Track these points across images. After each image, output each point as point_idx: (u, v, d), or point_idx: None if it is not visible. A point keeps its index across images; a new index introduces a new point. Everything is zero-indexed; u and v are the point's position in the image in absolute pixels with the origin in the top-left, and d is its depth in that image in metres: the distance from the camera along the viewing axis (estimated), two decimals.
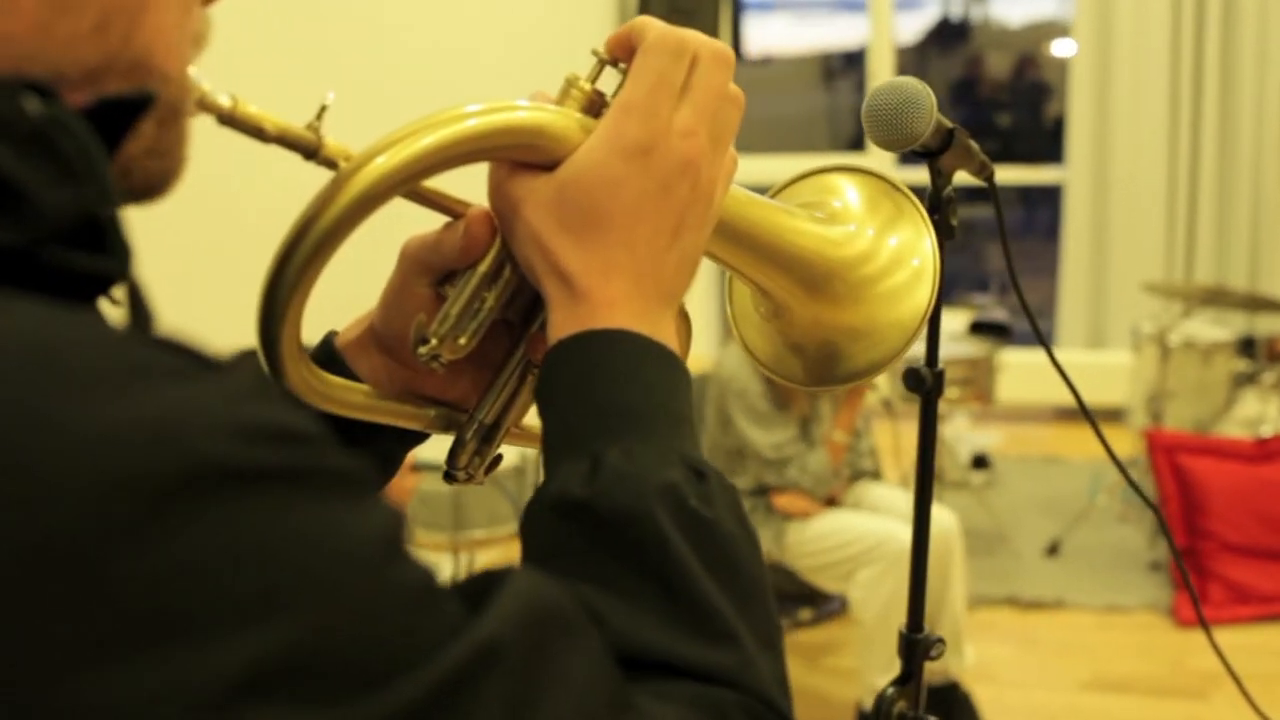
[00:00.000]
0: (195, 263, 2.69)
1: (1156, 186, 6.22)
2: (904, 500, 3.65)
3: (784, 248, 0.88)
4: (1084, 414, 1.34)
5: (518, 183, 0.71)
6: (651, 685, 0.58)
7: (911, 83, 1.07)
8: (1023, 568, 4.71)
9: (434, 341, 0.75)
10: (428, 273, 0.79)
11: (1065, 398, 5.55)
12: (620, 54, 0.74)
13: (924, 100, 1.07)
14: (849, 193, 0.97)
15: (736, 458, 3.69)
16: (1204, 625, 1.41)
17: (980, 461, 5.67)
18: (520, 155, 0.71)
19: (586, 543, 0.63)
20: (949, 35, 10.47)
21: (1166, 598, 4.38)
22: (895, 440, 3.96)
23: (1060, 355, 5.19)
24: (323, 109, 0.67)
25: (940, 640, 1.30)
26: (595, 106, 0.74)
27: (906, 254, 0.93)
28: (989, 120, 9.89)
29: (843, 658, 4.06)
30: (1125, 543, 4.88)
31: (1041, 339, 1.34)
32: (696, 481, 0.66)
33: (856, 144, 7.09)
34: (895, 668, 3.66)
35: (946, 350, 4.64)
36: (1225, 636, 4.08)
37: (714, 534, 0.64)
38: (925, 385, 1.18)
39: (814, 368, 0.95)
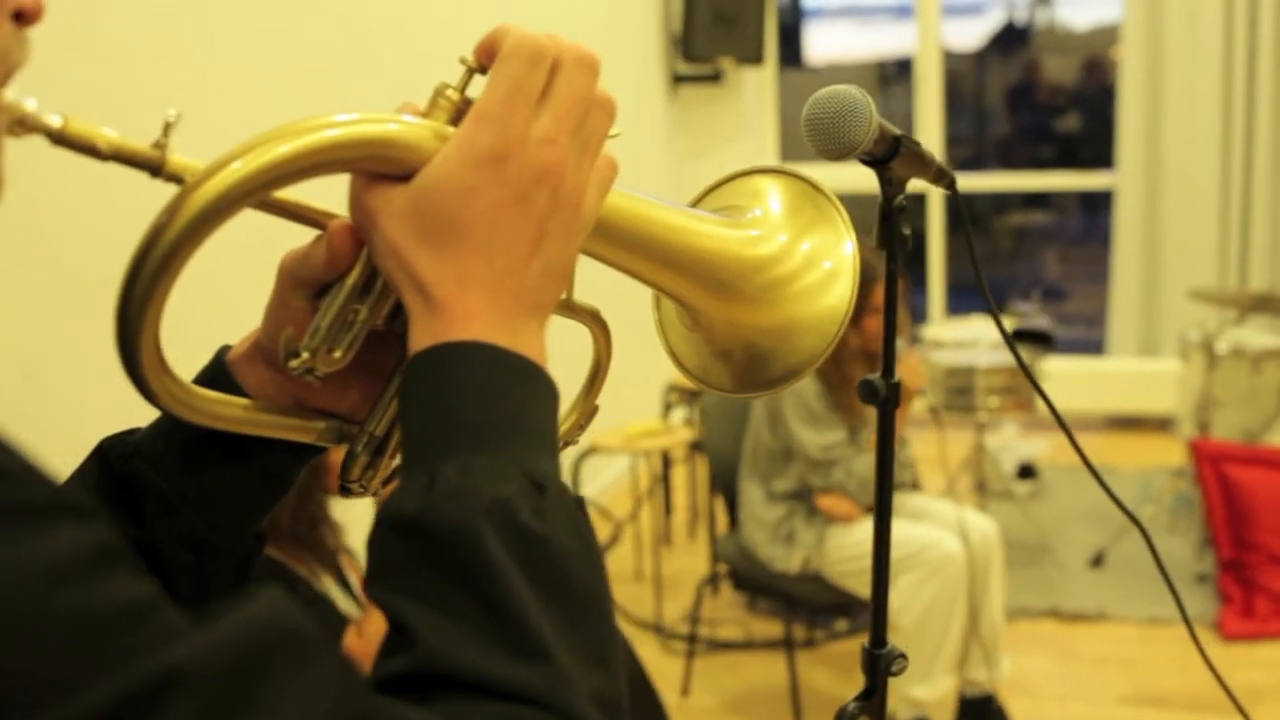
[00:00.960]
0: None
1: (1209, 191, 6.12)
2: (946, 509, 3.61)
3: (683, 250, 0.87)
4: (1049, 408, 1.31)
5: (374, 194, 0.70)
6: (453, 705, 0.58)
7: (850, 91, 1.05)
8: (1066, 579, 4.64)
9: (305, 355, 0.75)
10: (303, 286, 0.78)
11: (1117, 406, 5.51)
12: (486, 61, 0.73)
13: (862, 109, 1.05)
14: (772, 195, 0.95)
15: (780, 459, 3.66)
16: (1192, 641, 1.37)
17: (1027, 471, 5.59)
18: (373, 167, 0.70)
19: (415, 559, 0.62)
20: (1010, 40, 10.37)
21: (1212, 611, 4.30)
22: (941, 449, 3.91)
23: (1111, 363, 5.14)
24: (167, 126, 0.67)
25: (903, 656, 1.27)
26: (463, 115, 0.73)
27: (820, 256, 0.91)
28: (1047, 125, 9.78)
29: None
30: (1171, 555, 4.78)
31: (999, 322, 1.31)
32: (534, 495, 0.64)
33: None
34: (932, 677, 3.63)
35: (987, 359, 4.59)
36: (1273, 651, 4.02)
37: (544, 550, 0.63)
38: (879, 396, 1.16)
39: (741, 373, 0.94)
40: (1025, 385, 4.58)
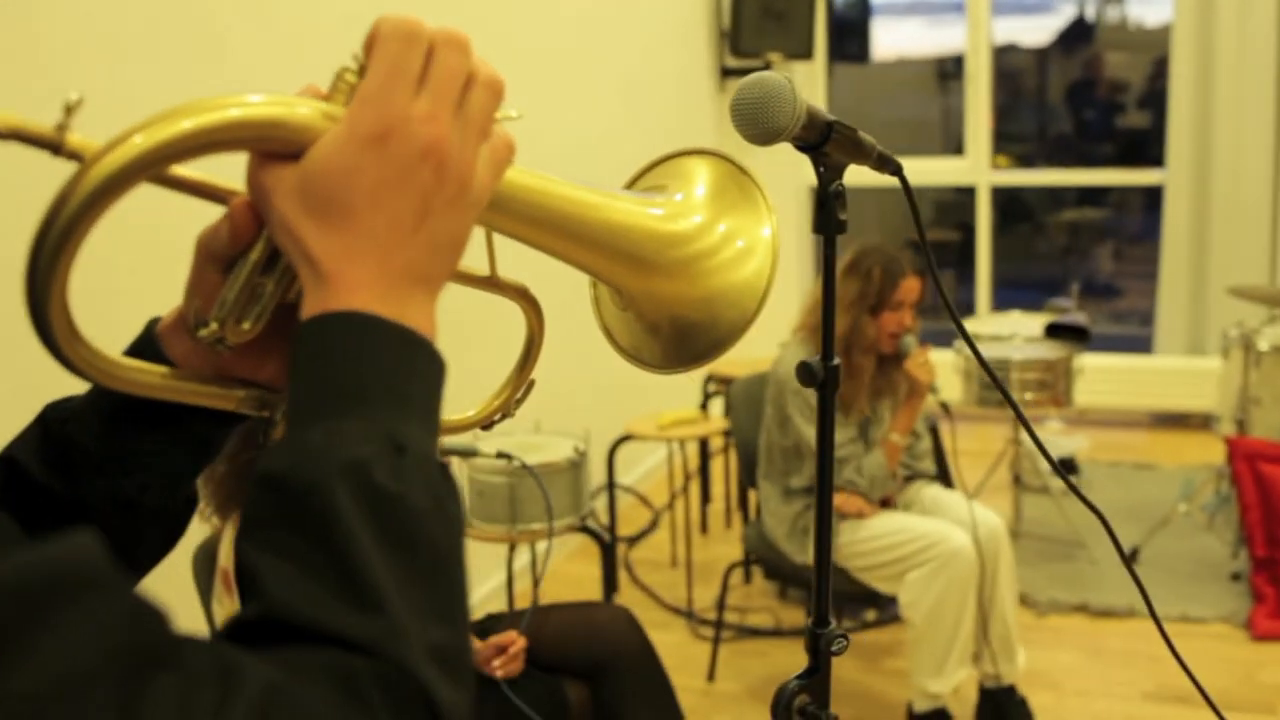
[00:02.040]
0: None
1: (1259, 189, 6.06)
2: (960, 503, 3.63)
3: (594, 224, 0.91)
4: (1006, 399, 1.34)
5: (267, 172, 0.75)
6: (285, 652, 0.61)
7: (773, 78, 1.09)
8: (1099, 575, 4.63)
9: (213, 325, 0.79)
10: (214, 260, 0.82)
11: (1162, 403, 5.48)
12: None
13: (785, 95, 1.08)
14: (699, 177, 0.99)
15: (794, 456, 3.70)
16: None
17: (1067, 467, 5.58)
18: (266, 146, 0.74)
19: (273, 514, 0.66)
20: (1077, 36, 10.27)
21: (1244, 609, 4.28)
22: (952, 443, 3.92)
23: (1157, 361, 5.11)
24: (68, 108, 0.71)
25: (844, 637, 1.30)
26: None
27: (736, 235, 0.95)
28: (1108, 122, 9.67)
29: (902, 659, 4.04)
30: (1207, 553, 4.77)
31: (958, 324, 1.34)
32: (393, 457, 0.68)
33: (958, 147, 7.02)
34: (944, 670, 3.65)
35: (1022, 353, 4.59)
36: None
37: (395, 508, 0.66)
38: (817, 379, 1.20)
39: (670, 348, 0.98)
40: (1062, 379, 4.57)
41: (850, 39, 9.62)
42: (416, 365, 0.74)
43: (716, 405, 5.48)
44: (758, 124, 1.09)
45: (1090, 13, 10.25)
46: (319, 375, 0.71)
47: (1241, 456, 4.43)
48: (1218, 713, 2.59)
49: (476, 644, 2.72)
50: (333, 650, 0.62)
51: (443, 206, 0.76)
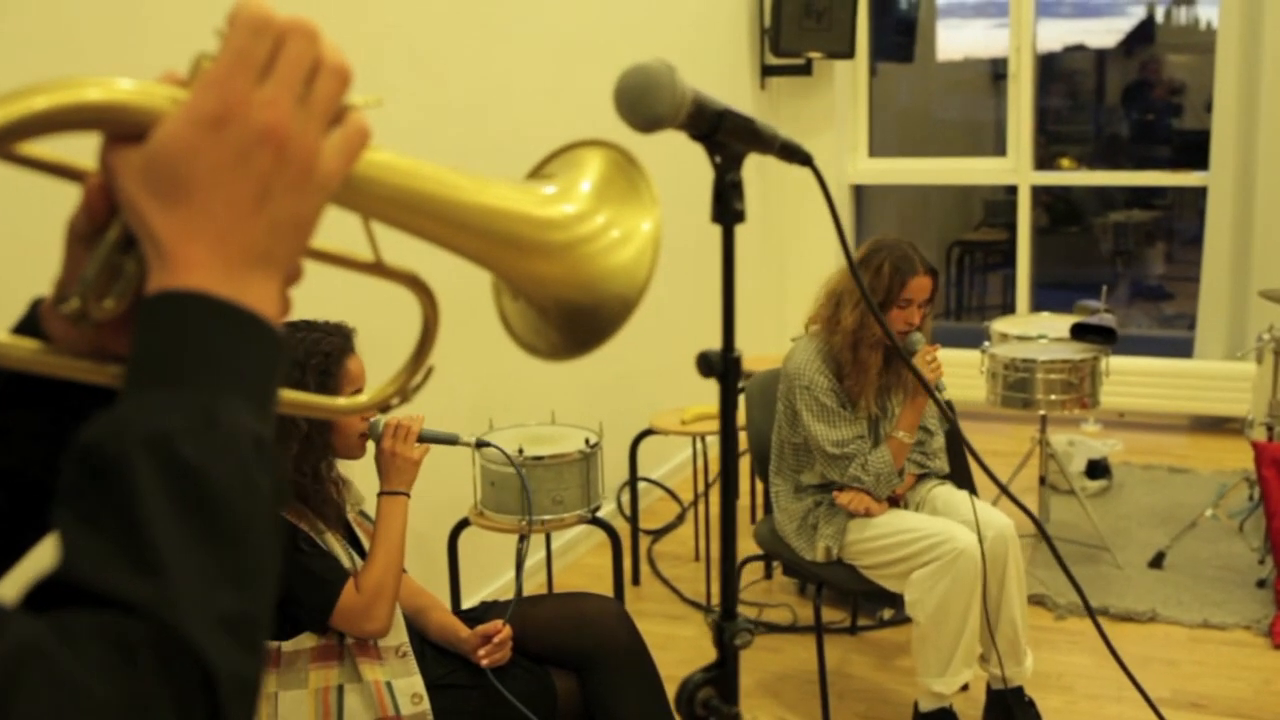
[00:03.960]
0: None
1: None
2: (968, 502, 3.60)
3: (466, 207, 0.92)
4: (932, 395, 1.34)
5: (115, 154, 0.77)
6: (65, 613, 0.63)
7: (655, 65, 1.10)
8: (1123, 579, 4.59)
9: (75, 302, 0.82)
10: (80, 239, 0.85)
11: (1201, 407, 5.44)
12: None
13: (664, 82, 1.09)
14: (589, 166, 1.01)
15: (804, 453, 3.70)
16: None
17: (1097, 469, 5.53)
18: (114, 128, 0.77)
19: (79, 481, 0.68)
20: (1141, 39, 10.16)
21: (1268, 617, 4.22)
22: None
23: (1197, 365, 5.07)
24: None
25: (749, 630, 1.31)
26: None
27: (614, 224, 0.97)
28: (1165, 123, 9.55)
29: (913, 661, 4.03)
30: (1235, 559, 4.71)
31: (895, 343, 1.34)
32: (203, 431, 0.70)
33: (1001, 148, 6.98)
34: (949, 669, 3.63)
35: (1046, 354, 4.55)
36: None
37: (196, 479, 0.69)
38: (716, 369, 1.21)
39: (561, 333, 1.00)
40: (1088, 380, 4.53)
41: (907, 39, 9.58)
42: (248, 344, 0.76)
43: (744, 401, 5.48)
44: (638, 112, 1.11)
45: (1159, 15, 10.13)
46: (146, 350, 0.74)
47: (1268, 462, 4.36)
48: (1156, 710, 2.57)
49: (462, 633, 2.75)
50: (110, 613, 0.63)
51: (283, 189, 0.77)
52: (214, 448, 0.70)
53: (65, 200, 0.86)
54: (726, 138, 1.15)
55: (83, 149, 0.83)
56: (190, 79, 0.80)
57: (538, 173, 1.05)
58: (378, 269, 1.01)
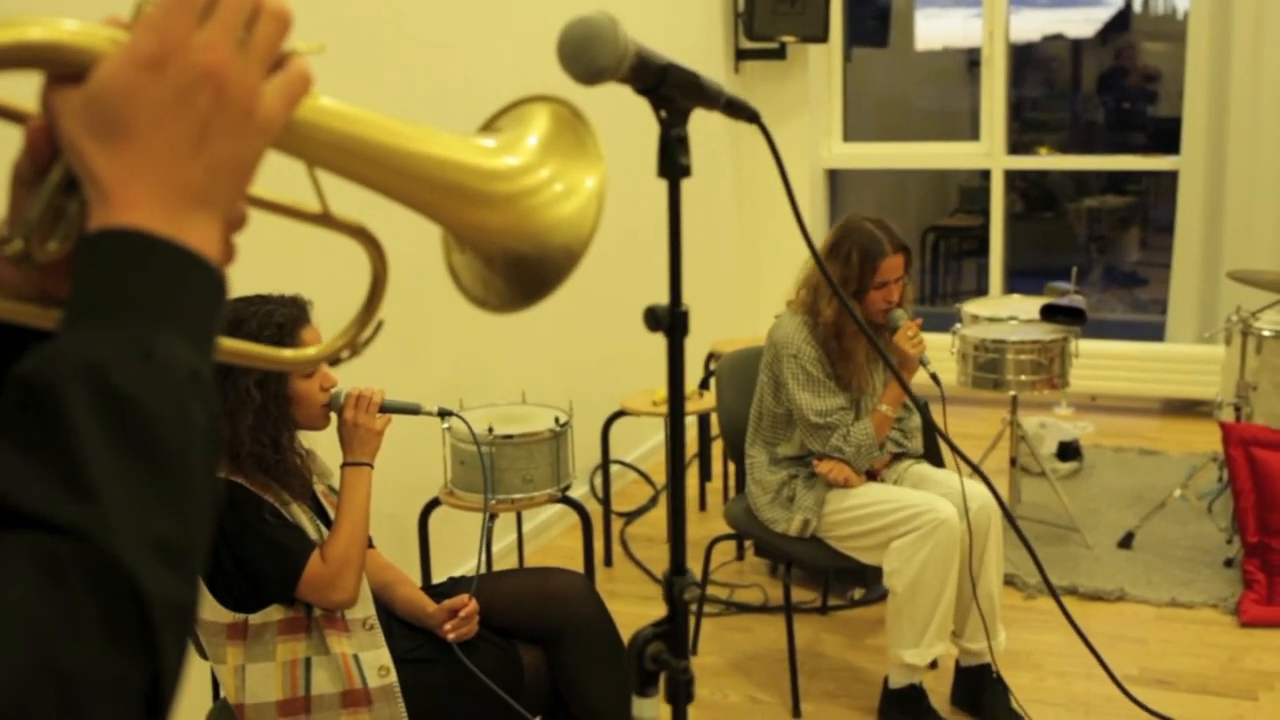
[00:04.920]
0: None
1: (1273, 177, 6.01)
2: (949, 478, 3.62)
3: (408, 154, 0.93)
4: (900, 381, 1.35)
5: (56, 94, 0.78)
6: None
7: (597, 17, 1.11)
8: (1092, 559, 4.62)
9: (17, 243, 0.83)
10: (24, 182, 0.85)
11: (1171, 390, 5.46)
12: None
13: (606, 34, 1.10)
14: (536, 121, 1.02)
15: (784, 424, 3.71)
16: None
17: (1068, 451, 5.56)
18: (55, 69, 0.78)
19: (14, 411, 0.69)
20: (1118, 27, 10.19)
21: (1235, 595, 4.25)
22: (943, 422, 3.91)
23: (1168, 348, 5.09)
24: None
25: (698, 584, 1.32)
26: None
27: (559, 177, 0.98)
28: (1140, 110, 9.58)
29: (884, 637, 4.05)
30: (1203, 539, 4.74)
31: (848, 306, 1.35)
32: (136, 362, 0.71)
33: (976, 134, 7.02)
34: (923, 642, 3.64)
35: (1017, 334, 4.58)
36: None
37: (129, 408, 0.70)
38: (662, 323, 1.21)
39: (508, 284, 1.01)
40: (1057, 361, 4.55)
41: (882, 24, 9.58)
42: (187, 281, 0.76)
43: (714, 383, 5.50)
44: (580, 62, 1.12)
45: (1137, 4, 10.17)
46: (84, 285, 0.74)
47: (1236, 442, 4.40)
48: (1120, 685, 2.59)
49: (429, 608, 2.75)
50: (40, 535, 0.64)
51: (223, 131, 0.78)
52: (147, 379, 0.71)
53: (7, 144, 0.86)
54: (671, 92, 1.16)
55: (26, 91, 0.84)
56: (132, 23, 0.80)
57: (488, 128, 1.06)
58: (325, 220, 1.02)
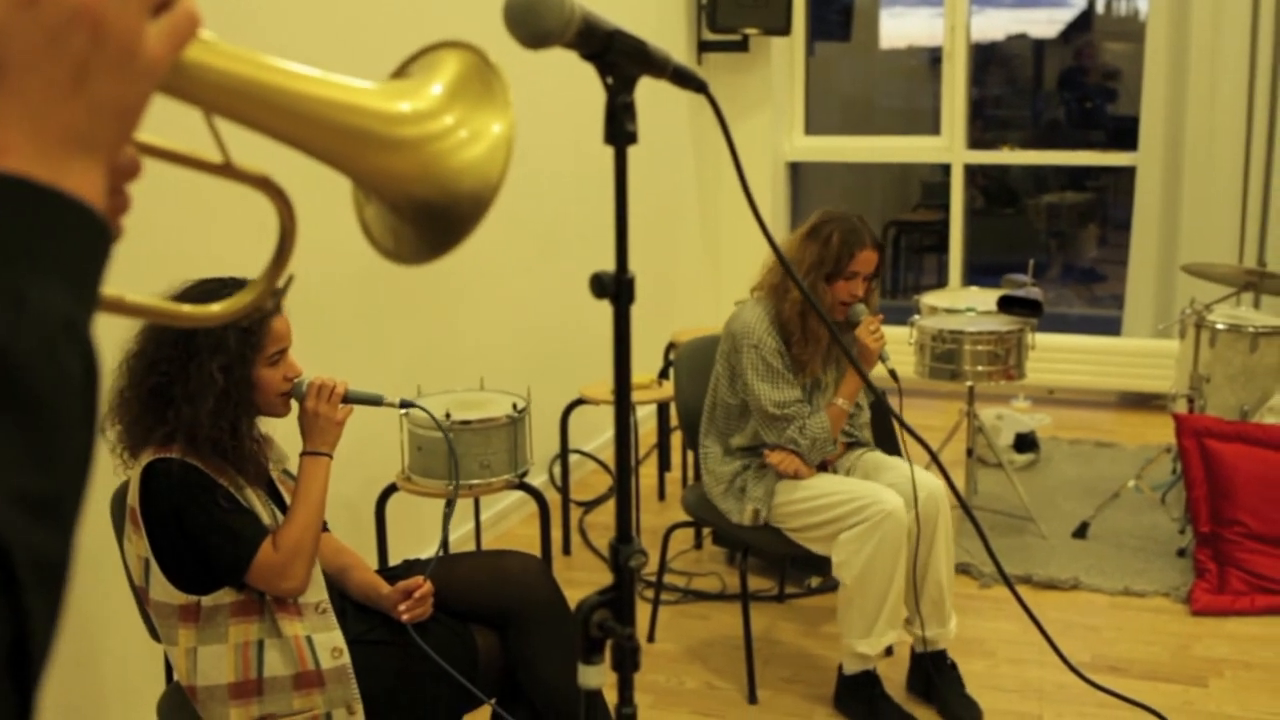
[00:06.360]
0: None
1: (1229, 173, 6.07)
2: (899, 466, 3.64)
3: (303, 97, 0.92)
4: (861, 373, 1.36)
5: None
6: None
7: None
8: (1047, 549, 4.66)
9: None
10: None
11: (1127, 384, 5.51)
12: None
13: None
14: (444, 68, 1.02)
15: (738, 415, 3.72)
16: None
17: (1025, 442, 5.60)
18: None
19: None
20: (1081, 28, 10.27)
21: (1187, 585, 4.30)
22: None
23: (1124, 343, 5.12)
24: None
25: (642, 552, 1.32)
26: None
27: (465, 122, 0.98)
28: (1100, 108, 9.65)
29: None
30: (1156, 529, 4.79)
31: (811, 300, 1.36)
32: (7, 309, 0.68)
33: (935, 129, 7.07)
34: (874, 632, 3.66)
35: (974, 325, 4.61)
36: (1241, 626, 4.02)
37: None
38: (608, 290, 1.22)
39: (419, 233, 1.00)
40: (1014, 352, 4.58)
41: (848, 21, 9.61)
42: (66, 225, 0.74)
43: (673, 372, 5.50)
44: (526, 25, 1.12)
45: (1100, 5, 10.23)
46: None
47: (1189, 433, 4.44)
48: (1073, 667, 2.61)
49: (384, 589, 2.75)
50: None
51: (102, 71, 0.76)
52: (18, 328, 0.68)
53: None
54: (618, 58, 1.17)
55: None
56: None
57: (399, 74, 1.06)
58: (227, 170, 0.99)
